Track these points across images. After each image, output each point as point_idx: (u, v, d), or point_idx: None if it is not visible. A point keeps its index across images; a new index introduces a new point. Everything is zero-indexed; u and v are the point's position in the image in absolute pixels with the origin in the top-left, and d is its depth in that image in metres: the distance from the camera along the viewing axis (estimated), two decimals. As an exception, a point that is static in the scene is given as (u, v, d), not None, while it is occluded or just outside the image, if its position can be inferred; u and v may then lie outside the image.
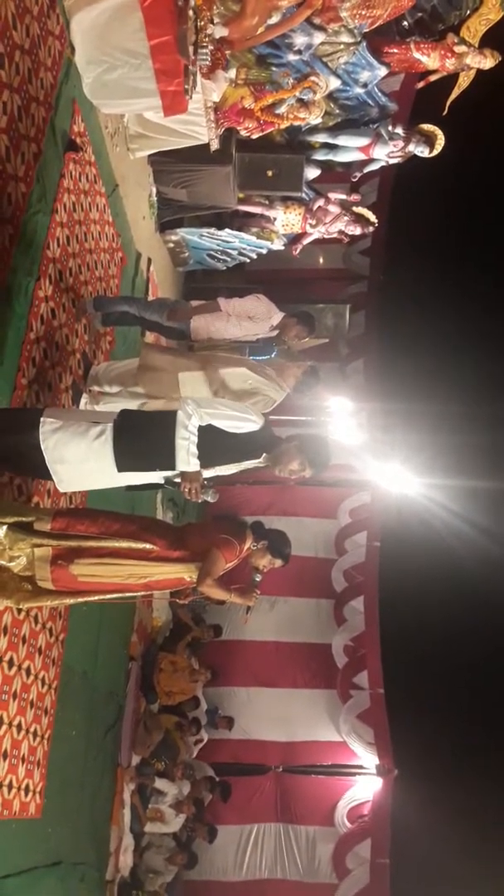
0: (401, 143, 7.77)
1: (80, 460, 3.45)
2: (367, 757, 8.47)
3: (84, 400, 4.72)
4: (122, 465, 3.47)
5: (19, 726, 3.97)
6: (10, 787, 3.88)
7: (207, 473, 3.70)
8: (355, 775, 8.57)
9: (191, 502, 3.75)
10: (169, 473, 3.64)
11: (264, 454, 3.66)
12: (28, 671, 4.06)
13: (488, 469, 9.69)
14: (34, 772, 4.21)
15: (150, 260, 7.20)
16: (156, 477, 3.69)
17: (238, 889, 8.10)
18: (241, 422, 3.56)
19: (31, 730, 4.15)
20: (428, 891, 9.30)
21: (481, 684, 10.46)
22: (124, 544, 3.55)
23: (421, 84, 7.78)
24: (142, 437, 3.50)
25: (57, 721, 4.51)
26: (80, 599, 3.67)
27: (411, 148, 7.78)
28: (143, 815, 6.77)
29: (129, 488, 3.90)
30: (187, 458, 3.48)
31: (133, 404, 4.48)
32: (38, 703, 4.24)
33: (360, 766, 8.55)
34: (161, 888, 6.92)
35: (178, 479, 3.69)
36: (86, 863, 5.31)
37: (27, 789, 4.12)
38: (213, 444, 3.52)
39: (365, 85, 7.31)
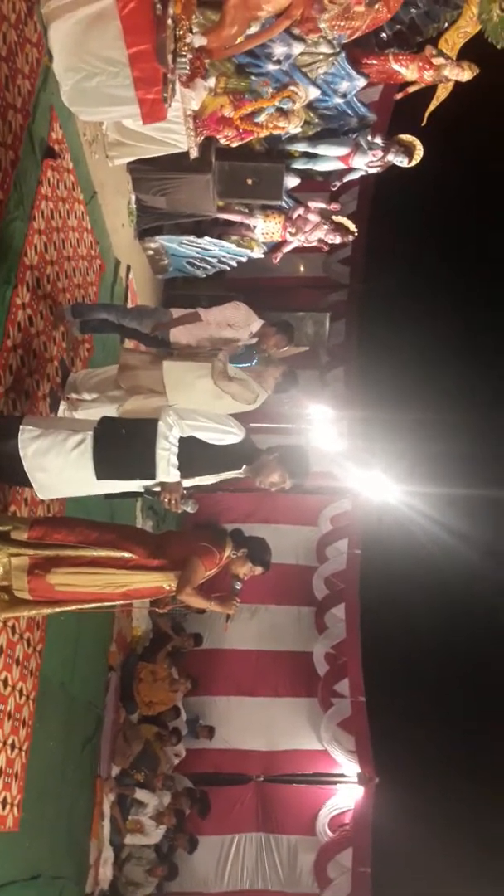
0: (380, 153, 7.82)
1: (59, 468, 3.45)
2: (348, 765, 8.44)
3: (62, 407, 4.68)
4: (102, 473, 3.47)
5: (-4, 738, 3.92)
6: (-14, 800, 3.84)
7: (187, 483, 3.69)
8: (336, 784, 8.54)
9: (170, 511, 3.74)
10: (148, 483, 3.64)
11: (244, 466, 3.66)
12: (5, 682, 4.02)
13: (467, 477, 9.76)
14: (12, 784, 4.16)
15: (129, 267, 7.19)
16: (135, 486, 3.69)
17: (219, 900, 8.04)
18: (222, 434, 3.56)
19: (9, 742, 4.10)
20: (410, 899, 9.30)
21: (463, 691, 10.50)
22: (103, 553, 3.53)
23: (400, 95, 7.85)
24: (122, 446, 3.50)
25: (35, 732, 4.46)
26: (58, 609, 3.64)
27: (390, 158, 7.82)
28: (122, 827, 6.71)
29: (108, 496, 3.89)
30: (167, 468, 3.49)
31: (111, 409, 4.45)
32: (16, 715, 4.19)
33: (342, 775, 8.52)
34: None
35: (157, 489, 3.68)
36: (65, 876, 5.24)
37: (5, 802, 4.07)
38: (194, 455, 3.52)
39: (344, 95, 7.36)
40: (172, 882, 7.53)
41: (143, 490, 3.74)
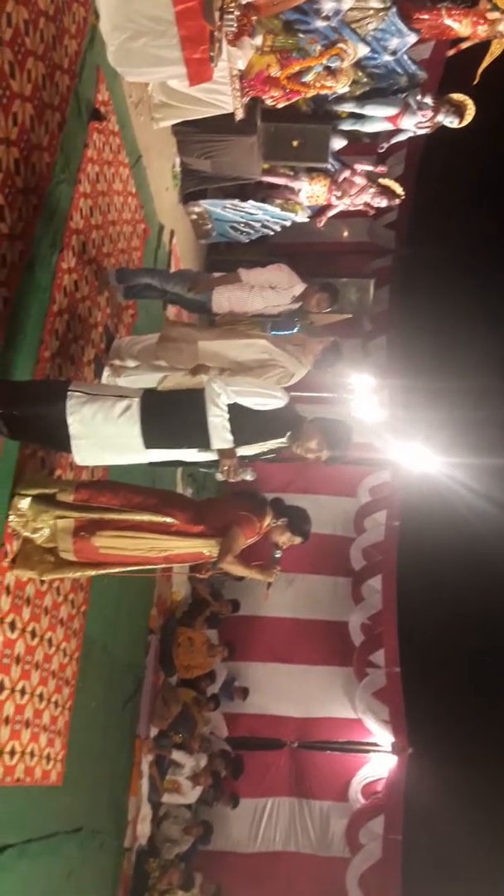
0: (430, 114, 7.59)
1: (104, 435, 3.41)
2: (381, 735, 8.51)
3: (106, 373, 4.69)
4: (151, 442, 3.42)
5: (41, 696, 4.01)
6: (31, 754, 3.93)
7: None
8: (370, 752, 8.62)
9: (211, 478, 3.70)
10: (203, 452, 3.56)
11: (288, 433, 3.60)
12: (50, 642, 4.09)
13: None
14: (55, 741, 4.26)
15: (172, 232, 7.13)
16: (181, 455, 3.63)
17: (252, 860, 8.20)
18: (266, 398, 3.50)
19: (53, 699, 4.19)
20: (439, 867, 9.38)
21: (499, 664, 10.43)
22: (146, 517, 3.55)
23: (452, 52, 7.58)
24: (171, 415, 3.44)
25: (77, 691, 4.56)
26: (102, 571, 3.69)
27: (440, 118, 7.60)
28: (160, 786, 6.86)
29: (152, 464, 3.87)
30: (223, 434, 3.41)
31: (154, 377, 4.44)
32: (60, 674, 4.28)
33: (375, 744, 8.59)
34: (176, 857, 7.03)
35: (210, 458, 3.60)
36: (105, 830, 5.40)
37: (48, 758, 4.17)
38: (240, 421, 3.46)
39: (394, 52, 7.14)
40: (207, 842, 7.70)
41: (194, 460, 3.68)
